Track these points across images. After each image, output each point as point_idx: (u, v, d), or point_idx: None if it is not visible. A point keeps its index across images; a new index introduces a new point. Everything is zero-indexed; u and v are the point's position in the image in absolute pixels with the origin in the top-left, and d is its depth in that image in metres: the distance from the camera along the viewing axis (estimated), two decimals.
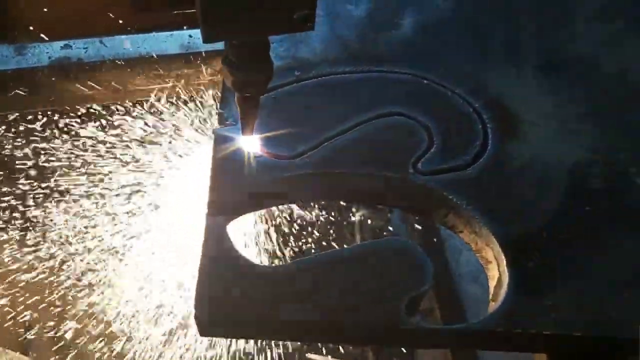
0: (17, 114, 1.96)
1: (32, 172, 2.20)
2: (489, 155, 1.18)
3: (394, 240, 1.09)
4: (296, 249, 2.17)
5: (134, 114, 1.94)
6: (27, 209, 2.20)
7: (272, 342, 2.06)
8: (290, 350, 2.21)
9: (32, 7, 1.73)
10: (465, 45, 1.40)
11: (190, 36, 1.58)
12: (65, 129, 2.09)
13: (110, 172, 2.01)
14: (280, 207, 2.08)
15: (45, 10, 1.72)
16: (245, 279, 1.00)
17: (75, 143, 2.08)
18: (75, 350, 2.17)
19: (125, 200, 1.99)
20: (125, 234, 2.04)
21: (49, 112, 2.01)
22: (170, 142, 1.91)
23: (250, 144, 1.16)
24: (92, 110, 1.97)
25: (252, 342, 2.09)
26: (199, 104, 1.81)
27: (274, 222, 2.08)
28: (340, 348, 2.26)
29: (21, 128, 2.16)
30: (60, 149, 2.13)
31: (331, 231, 2.25)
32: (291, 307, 0.98)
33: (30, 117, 2.14)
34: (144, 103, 1.81)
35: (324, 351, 2.26)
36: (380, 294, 0.99)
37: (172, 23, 1.60)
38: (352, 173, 1.16)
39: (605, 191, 1.15)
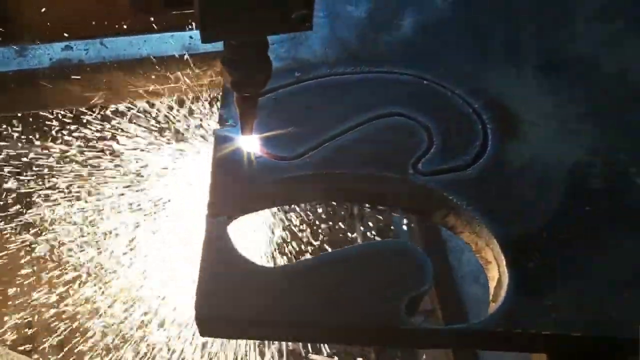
0: (17, 114, 1.96)
1: (33, 172, 2.21)
2: (489, 155, 1.18)
3: (394, 241, 1.09)
4: (297, 250, 2.17)
5: (134, 114, 1.94)
6: (28, 209, 2.21)
7: (273, 342, 2.06)
8: (291, 350, 2.21)
9: (32, 8, 1.74)
10: (465, 46, 1.40)
11: (191, 37, 1.58)
12: (66, 129, 2.10)
13: (111, 171, 2.02)
14: (280, 207, 2.08)
15: (46, 11, 1.73)
16: (245, 279, 1.00)
17: (76, 143, 2.09)
18: (77, 351, 2.17)
19: (126, 199, 2.00)
20: (126, 234, 2.04)
21: (49, 113, 2.02)
22: (170, 142, 1.91)
23: (251, 144, 1.17)
24: (92, 111, 1.98)
25: (253, 342, 2.09)
26: (199, 105, 1.82)
27: (274, 223, 2.08)
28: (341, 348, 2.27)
29: (23, 129, 2.17)
30: (61, 150, 2.13)
31: (331, 232, 2.25)
32: (291, 307, 0.99)
33: (30, 118, 2.15)
34: (144, 104, 1.81)
35: (326, 352, 2.26)
36: (380, 294, 0.99)
37: (172, 24, 1.60)
38: (352, 174, 1.16)
39: (605, 191, 1.15)
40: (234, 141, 1.17)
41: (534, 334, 0.97)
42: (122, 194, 2.00)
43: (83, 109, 1.93)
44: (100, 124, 2.04)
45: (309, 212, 2.26)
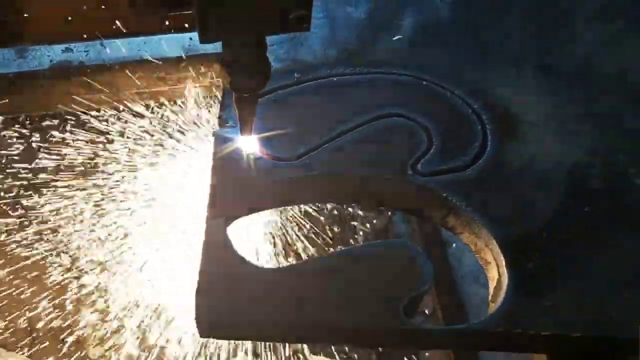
0: (18, 115, 1.97)
1: (34, 171, 2.22)
2: (488, 156, 1.18)
3: (394, 241, 1.10)
4: (297, 251, 2.17)
5: (135, 115, 1.94)
6: (31, 207, 2.21)
7: (274, 343, 2.06)
8: (292, 351, 2.21)
9: (33, 10, 1.74)
10: (465, 46, 1.41)
11: (190, 39, 1.59)
12: (66, 130, 2.10)
13: (111, 170, 2.02)
14: (280, 208, 2.08)
15: (46, 13, 1.73)
16: (245, 280, 1.00)
17: (76, 144, 2.09)
18: (78, 351, 2.17)
19: (128, 199, 2.00)
20: (127, 233, 2.05)
21: (49, 114, 2.02)
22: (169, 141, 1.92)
23: (250, 145, 1.17)
24: (92, 112, 1.98)
25: (255, 342, 2.09)
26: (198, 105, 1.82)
27: (274, 223, 2.08)
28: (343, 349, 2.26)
29: (24, 130, 2.17)
30: (62, 150, 2.14)
31: (332, 232, 2.25)
32: (291, 308, 0.99)
33: (31, 119, 2.15)
34: (145, 104, 1.81)
35: (326, 352, 2.26)
36: (380, 294, 0.99)
37: (172, 25, 1.61)
38: (352, 174, 1.16)
39: (604, 191, 1.15)
40: (233, 142, 1.17)
41: (533, 334, 0.97)
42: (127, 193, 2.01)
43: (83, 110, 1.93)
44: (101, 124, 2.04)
45: (309, 213, 2.26)
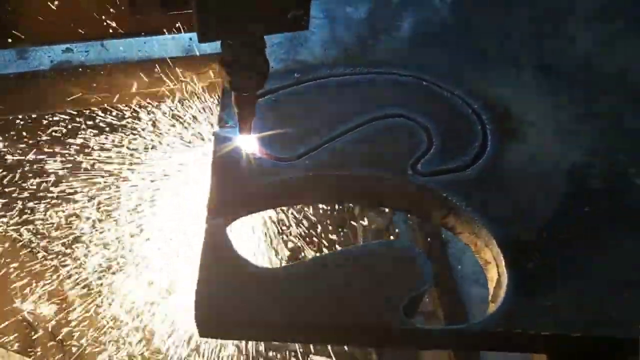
0: (19, 116, 1.97)
1: (35, 173, 2.22)
2: (488, 156, 1.18)
3: (394, 242, 1.09)
4: (297, 251, 2.17)
5: (135, 115, 1.95)
6: (32, 207, 2.21)
7: (274, 343, 2.06)
8: (292, 351, 2.21)
9: (33, 10, 1.74)
10: (465, 46, 1.41)
11: (190, 39, 1.59)
12: (67, 130, 2.11)
13: (113, 171, 2.02)
14: (280, 208, 2.08)
15: (46, 13, 1.73)
16: (245, 280, 1.00)
17: (76, 144, 2.09)
18: (78, 351, 2.17)
19: (128, 198, 2.00)
20: (129, 232, 2.05)
21: (49, 115, 2.02)
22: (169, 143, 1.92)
23: (250, 146, 1.17)
24: (92, 113, 1.99)
25: (255, 343, 2.09)
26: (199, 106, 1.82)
27: (274, 224, 2.08)
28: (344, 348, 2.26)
29: (25, 131, 2.17)
30: (62, 150, 2.14)
31: (332, 232, 2.25)
32: (291, 308, 0.99)
33: (31, 119, 2.15)
34: (145, 105, 1.81)
35: (327, 352, 2.26)
36: (381, 294, 0.99)
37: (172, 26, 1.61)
38: (352, 174, 1.16)
39: (604, 191, 1.15)
40: (233, 142, 1.17)
41: (533, 334, 0.97)
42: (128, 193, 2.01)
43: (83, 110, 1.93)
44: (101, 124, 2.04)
45: (308, 213, 2.26)
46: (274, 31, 0.90)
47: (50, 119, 2.12)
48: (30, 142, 2.21)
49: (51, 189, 2.21)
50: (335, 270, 1.03)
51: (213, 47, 0.95)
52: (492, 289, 1.08)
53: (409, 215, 2.51)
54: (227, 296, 0.99)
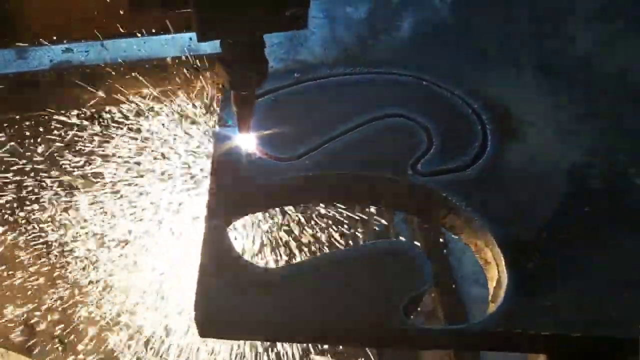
0: (19, 117, 1.97)
1: (34, 172, 2.22)
2: (488, 156, 1.18)
3: (394, 241, 1.10)
4: (297, 251, 2.17)
5: (134, 115, 1.94)
6: (32, 207, 2.21)
7: (274, 343, 2.06)
8: (293, 352, 2.21)
9: (33, 10, 1.75)
10: (465, 46, 1.41)
11: (190, 39, 1.59)
12: (67, 130, 2.11)
13: (113, 171, 2.02)
14: (280, 208, 2.08)
15: (46, 13, 1.73)
16: (244, 280, 1.00)
17: (77, 144, 2.09)
18: (78, 351, 2.17)
19: (128, 198, 2.00)
20: (129, 232, 2.05)
21: (49, 115, 2.02)
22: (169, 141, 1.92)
23: (250, 145, 1.17)
24: (92, 113, 1.98)
25: (256, 343, 2.09)
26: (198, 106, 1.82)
27: (274, 224, 2.08)
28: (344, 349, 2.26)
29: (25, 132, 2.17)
30: (62, 150, 2.14)
31: (331, 233, 2.25)
32: (291, 308, 0.99)
33: (32, 120, 2.15)
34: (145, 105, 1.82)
35: (327, 352, 2.26)
36: (380, 294, 0.99)
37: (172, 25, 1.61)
38: (352, 174, 1.16)
39: (604, 191, 1.15)
40: (233, 142, 1.17)
41: (533, 334, 0.97)
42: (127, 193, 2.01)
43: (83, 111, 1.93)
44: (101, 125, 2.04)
45: (308, 213, 2.26)
46: (273, 30, 0.90)
47: (50, 119, 2.12)
48: (30, 141, 2.21)
49: (51, 188, 2.21)
50: (335, 270, 1.03)
51: (215, 48, 0.95)
52: (492, 289, 1.08)
53: (408, 215, 2.51)
54: (227, 296, 0.99)
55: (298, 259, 2.03)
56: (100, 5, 1.74)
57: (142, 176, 1.96)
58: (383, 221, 2.46)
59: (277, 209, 1.92)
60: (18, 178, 2.24)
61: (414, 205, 1.19)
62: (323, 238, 2.10)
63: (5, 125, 2.10)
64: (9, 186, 2.24)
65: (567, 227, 1.09)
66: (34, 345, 2.15)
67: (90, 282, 2.17)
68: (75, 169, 2.13)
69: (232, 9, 0.83)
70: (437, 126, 1.22)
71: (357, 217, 2.28)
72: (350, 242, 2.27)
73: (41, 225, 2.22)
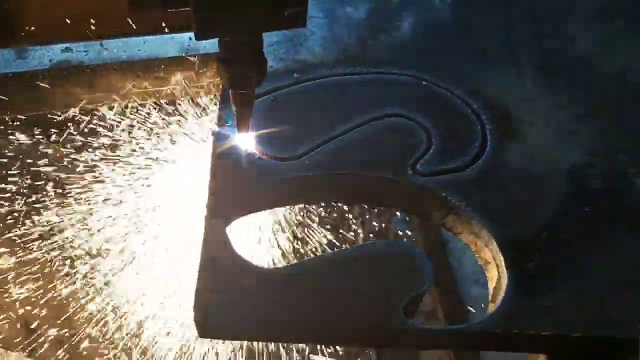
0: (18, 117, 1.97)
1: (34, 173, 2.21)
2: (487, 156, 1.18)
3: (394, 242, 1.09)
4: (296, 251, 2.17)
5: (134, 116, 1.94)
6: (32, 208, 2.21)
7: (273, 343, 2.06)
8: (292, 352, 2.21)
9: (33, 10, 1.74)
10: (464, 46, 1.41)
11: (190, 39, 1.58)
12: (67, 131, 2.11)
13: (112, 171, 2.02)
14: (279, 208, 2.08)
15: (45, 13, 1.73)
16: (244, 280, 1.00)
17: (76, 145, 2.09)
18: (77, 351, 2.17)
19: (127, 198, 2.00)
20: (129, 232, 2.05)
21: (49, 115, 2.01)
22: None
23: (250, 145, 1.17)
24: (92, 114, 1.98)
25: (255, 343, 2.09)
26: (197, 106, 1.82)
27: (273, 224, 2.08)
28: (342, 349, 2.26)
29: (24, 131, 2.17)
30: (62, 151, 2.14)
31: (331, 233, 2.25)
32: (291, 308, 0.99)
33: (31, 120, 2.15)
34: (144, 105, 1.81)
35: (327, 352, 2.26)
36: (380, 294, 0.99)
37: (171, 26, 1.60)
38: (351, 174, 1.16)
39: (604, 191, 1.15)
40: (233, 142, 1.17)
41: (533, 334, 0.97)
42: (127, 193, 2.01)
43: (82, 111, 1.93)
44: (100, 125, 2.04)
45: (308, 213, 2.26)
46: (272, 29, 0.90)
47: (49, 119, 2.12)
48: (29, 142, 2.21)
49: (50, 188, 2.20)
50: (335, 270, 1.03)
51: (215, 47, 0.94)
52: (492, 289, 1.08)
53: (408, 215, 2.51)
54: (227, 296, 0.99)
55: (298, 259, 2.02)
56: (100, 4, 1.74)
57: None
58: (382, 221, 2.46)
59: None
60: (18, 178, 2.24)
61: (413, 205, 1.19)
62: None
63: (4, 125, 2.10)
64: (9, 186, 2.24)
65: (567, 227, 1.09)
66: (33, 346, 2.15)
67: (91, 283, 2.17)
68: (75, 169, 2.13)
69: (230, 8, 0.83)
70: (437, 126, 1.22)
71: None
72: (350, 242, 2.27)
73: (41, 226, 2.22)
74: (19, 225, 2.24)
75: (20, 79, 1.53)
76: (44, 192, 2.20)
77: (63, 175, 2.17)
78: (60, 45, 1.55)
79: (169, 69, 1.58)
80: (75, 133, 2.11)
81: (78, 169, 2.12)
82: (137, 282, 2.07)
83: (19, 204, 2.24)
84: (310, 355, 2.21)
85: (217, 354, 2.00)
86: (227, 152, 1.16)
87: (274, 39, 1.36)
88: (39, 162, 2.23)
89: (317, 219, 2.12)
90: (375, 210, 2.50)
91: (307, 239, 2.09)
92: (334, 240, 2.17)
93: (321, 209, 2.22)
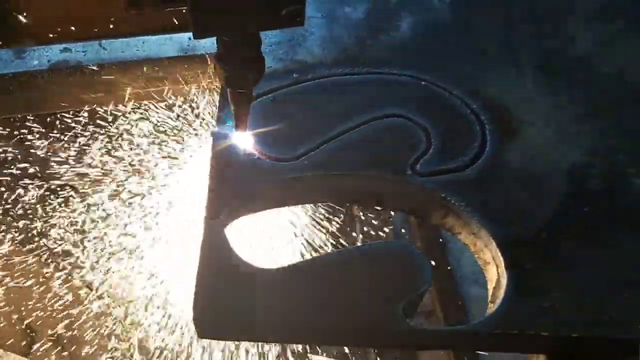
0: (18, 116, 1.97)
1: (34, 174, 2.21)
2: (487, 156, 1.18)
3: (393, 242, 1.09)
4: (295, 251, 2.17)
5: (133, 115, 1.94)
6: (30, 208, 2.21)
7: (273, 344, 2.06)
8: (292, 352, 2.21)
9: (32, 10, 1.74)
10: (464, 46, 1.40)
11: (189, 39, 1.58)
12: (66, 131, 2.10)
13: (111, 170, 2.02)
14: (279, 209, 2.07)
15: (44, 13, 1.73)
16: (243, 281, 1.00)
17: (75, 145, 2.09)
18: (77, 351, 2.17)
19: (126, 199, 2.00)
20: (128, 232, 2.04)
21: (48, 115, 2.02)
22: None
23: (249, 146, 1.16)
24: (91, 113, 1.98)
25: (254, 343, 2.09)
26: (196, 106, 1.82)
27: (273, 224, 2.08)
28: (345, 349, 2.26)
29: (24, 130, 2.17)
30: (61, 151, 2.13)
31: (331, 233, 2.25)
32: (290, 309, 0.98)
33: (31, 120, 2.15)
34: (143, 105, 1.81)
35: (326, 353, 2.26)
36: (379, 295, 0.99)
37: (170, 26, 1.60)
38: (351, 175, 1.16)
39: (604, 191, 1.14)
40: (232, 142, 1.17)
41: (533, 335, 0.97)
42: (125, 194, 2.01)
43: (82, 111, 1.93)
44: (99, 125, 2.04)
45: (307, 213, 2.26)
46: (270, 27, 0.90)
47: (49, 118, 2.11)
48: (29, 142, 2.21)
49: (51, 188, 2.20)
50: (334, 270, 1.03)
51: (212, 45, 0.94)
52: (492, 290, 1.07)
53: (408, 215, 2.50)
54: (226, 297, 0.98)
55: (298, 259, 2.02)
56: (99, 5, 1.74)
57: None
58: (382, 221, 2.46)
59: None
60: (18, 178, 2.24)
61: (413, 206, 1.19)
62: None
63: (3, 125, 2.10)
64: (9, 186, 2.24)
65: (567, 227, 1.09)
66: (32, 346, 2.14)
67: (91, 284, 2.17)
68: (74, 169, 2.13)
69: (228, 6, 0.82)
70: (436, 126, 1.21)
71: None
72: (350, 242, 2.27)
73: (41, 225, 2.22)
74: (19, 226, 2.24)
75: (18, 79, 1.53)
76: (42, 191, 2.19)
77: (62, 175, 2.17)
78: (59, 46, 1.55)
79: (168, 69, 1.58)
80: (74, 133, 2.11)
81: (78, 169, 2.12)
82: (137, 282, 2.07)
83: (17, 203, 2.24)
84: (310, 355, 2.21)
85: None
86: (226, 152, 1.16)
87: (273, 39, 1.36)
88: (38, 162, 2.22)
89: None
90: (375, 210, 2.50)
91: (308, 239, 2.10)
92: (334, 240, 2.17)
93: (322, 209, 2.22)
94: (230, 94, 1.02)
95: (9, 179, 2.22)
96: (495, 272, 1.07)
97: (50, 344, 2.17)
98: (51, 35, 1.63)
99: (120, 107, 1.87)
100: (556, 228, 1.08)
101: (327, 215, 2.18)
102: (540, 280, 1.02)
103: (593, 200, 1.13)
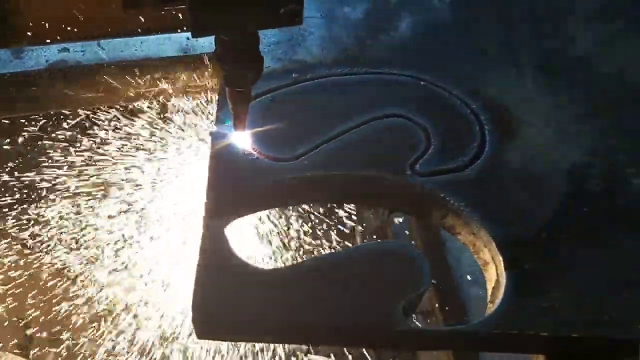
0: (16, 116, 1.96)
1: (34, 172, 2.21)
2: (486, 156, 1.18)
3: (392, 242, 1.09)
4: (294, 251, 2.17)
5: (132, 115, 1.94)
6: (28, 207, 2.21)
7: (272, 344, 2.06)
8: (291, 352, 2.21)
9: (30, 10, 1.74)
10: (464, 46, 1.40)
11: (188, 39, 1.58)
12: (65, 131, 2.10)
13: (109, 171, 2.02)
14: (278, 209, 2.08)
15: (42, 13, 1.73)
16: (243, 281, 1.00)
17: (74, 145, 2.09)
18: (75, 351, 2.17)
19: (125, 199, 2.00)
20: (126, 232, 2.04)
21: (48, 115, 2.01)
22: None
23: (248, 145, 1.16)
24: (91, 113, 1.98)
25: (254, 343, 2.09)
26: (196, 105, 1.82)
27: (272, 224, 2.08)
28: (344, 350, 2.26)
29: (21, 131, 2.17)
30: (60, 151, 2.13)
31: (330, 233, 2.25)
32: (289, 309, 0.98)
33: (30, 119, 2.15)
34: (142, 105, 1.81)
35: (325, 353, 2.26)
36: (379, 295, 0.99)
37: (169, 25, 1.60)
38: (350, 175, 1.16)
39: (604, 192, 1.14)
40: (231, 142, 1.17)
41: (532, 335, 0.96)
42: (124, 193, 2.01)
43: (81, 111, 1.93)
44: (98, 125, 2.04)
45: (307, 213, 2.26)
46: (269, 26, 0.90)
47: (48, 118, 2.11)
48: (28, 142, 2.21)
49: (48, 188, 2.20)
50: (334, 271, 1.02)
51: (210, 45, 0.94)
52: (491, 290, 1.07)
53: (408, 215, 2.50)
54: (225, 297, 0.98)
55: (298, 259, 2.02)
56: (97, 5, 1.73)
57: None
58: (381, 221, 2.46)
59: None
60: (16, 179, 2.24)
61: (412, 206, 1.19)
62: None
63: (2, 125, 2.10)
64: (8, 186, 2.24)
65: (567, 227, 1.09)
66: (30, 346, 2.14)
67: (90, 284, 2.17)
68: (74, 168, 2.13)
69: (226, 5, 0.82)
70: (436, 126, 1.21)
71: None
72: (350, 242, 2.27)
73: (40, 226, 2.22)
74: (17, 226, 2.24)
75: (16, 79, 1.52)
76: (39, 190, 2.19)
77: (61, 174, 2.17)
78: (57, 46, 1.55)
79: (167, 69, 1.57)
80: (73, 132, 2.11)
81: (77, 168, 2.12)
82: (135, 282, 2.07)
83: (16, 203, 2.24)
84: (310, 356, 2.21)
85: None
86: (225, 152, 1.16)
87: (272, 39, 1.35)
88: (37, 162, 2.22)
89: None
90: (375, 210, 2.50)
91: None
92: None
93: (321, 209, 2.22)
94: (228, 93, 1.02)
95: (6, 177, 2.22)
96: (494, 272, 1.06)
97: (49, 344, 2.16)
98: (51, 36, 1.63)
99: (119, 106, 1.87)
100: (556, 228, 1.08)
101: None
102: (540, 280, 1.02)
103: (593, 200, 1.13)
